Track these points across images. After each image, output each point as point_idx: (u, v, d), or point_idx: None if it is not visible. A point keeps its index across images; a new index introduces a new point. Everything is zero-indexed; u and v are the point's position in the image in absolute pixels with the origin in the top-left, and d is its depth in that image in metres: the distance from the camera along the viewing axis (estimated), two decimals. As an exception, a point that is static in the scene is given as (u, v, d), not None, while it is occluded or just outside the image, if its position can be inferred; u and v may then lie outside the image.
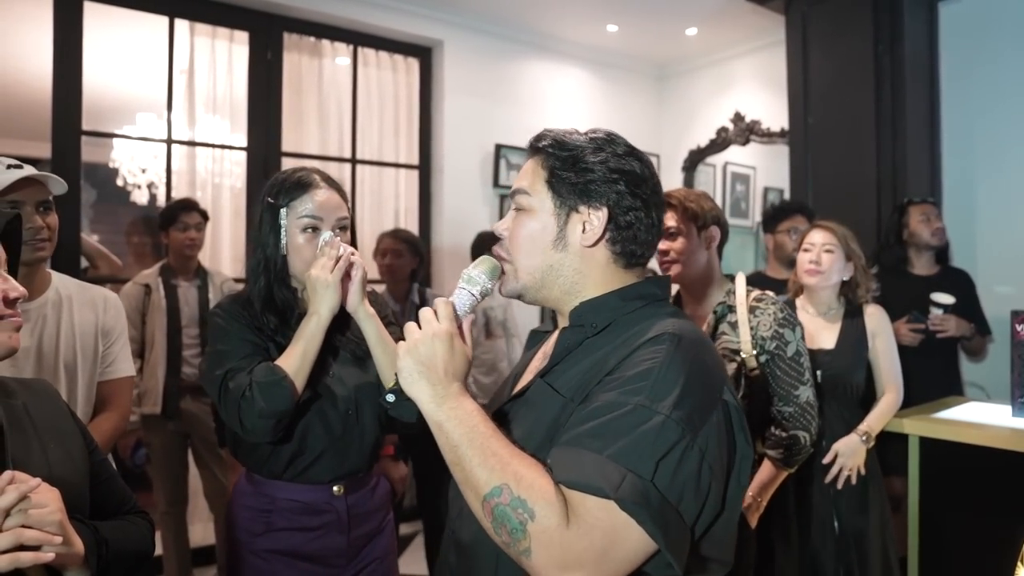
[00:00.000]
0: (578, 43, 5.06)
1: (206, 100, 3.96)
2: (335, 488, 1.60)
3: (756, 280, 2.45)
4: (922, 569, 2.27)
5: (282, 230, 1.56)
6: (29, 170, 1.65)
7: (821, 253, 2.41)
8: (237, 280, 3.61)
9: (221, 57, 3.97)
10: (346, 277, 1.55)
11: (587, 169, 1.05)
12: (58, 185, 1.72)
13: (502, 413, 1.08)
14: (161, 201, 4.55)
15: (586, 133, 1.10)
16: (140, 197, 4.90)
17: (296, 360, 1.48)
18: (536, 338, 1.25)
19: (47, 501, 0.96)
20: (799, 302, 2.52)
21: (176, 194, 3.80)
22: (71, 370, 1.76)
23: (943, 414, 2.38)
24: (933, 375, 2.96)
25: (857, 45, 3.54)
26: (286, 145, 4.06)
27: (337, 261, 1.51)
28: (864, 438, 2.26)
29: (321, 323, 1.50)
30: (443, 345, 0.98)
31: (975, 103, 3.81)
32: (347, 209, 1.63)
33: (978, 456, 2.15)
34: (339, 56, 4.32)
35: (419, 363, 0.97)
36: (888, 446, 2.44)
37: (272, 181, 1.62)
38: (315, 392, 1.56)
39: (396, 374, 1.00)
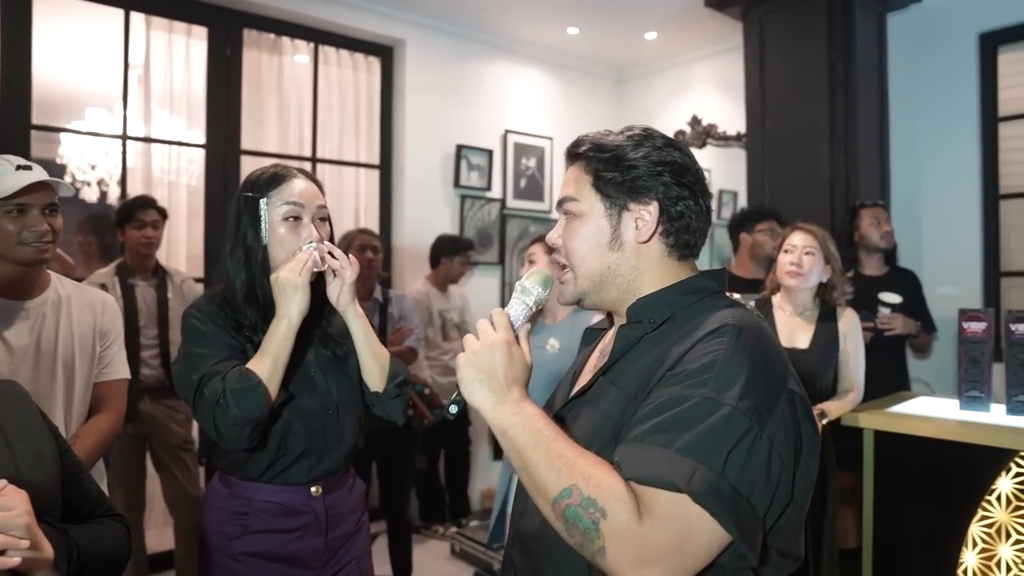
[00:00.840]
0: (539, 45, 5.10)
1: (162, 96, 3.87)
2: (313, 489, 1.59)
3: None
4: (875, 557, 2.36)
5: (263, 221, 1.55)
6: (39, 173, 1.64)
7: (802, 255, 2.48)
8: (197, 280, 3.55)
9: (178, 52, 3.88)
10: (331, 275, 1.55)
11: (631, 166, 1.06)
12: (66, 189, 1.73)
13: (565, 413, 1.10)
14: (112, 199, 4.44)
15: (621, 132, 1.10)
16: (90, 194, 4.75)
17: (268, 365, 1.45)
18: (592, 336, 1.25)
19: (13, 503, 0.93)
20: (776, 300, 2.59)
21: (131, 192, 3.71)
22: (69, 370, 1.75)
23: (896, 408, 2.47)
24: (882, 372, 3.07)
25: (812, 52, 3.66)
26: (245, 143, 4.00)
27: (306, 264, 1.49)
28: (819, 414, 2.33)
29: (291, 326, 1.47)
30: (501, 353, 0.99)
31: (920, 110, 3.97)
32: (324, 200, 1.63)
33: (927, 448, 2.24)
34: (300, 54, 4.28)
35: (479, 372, 0.98)
36: (840, 443, 2.53)
37: (248, 179, 1.61)
38: (295, 392, 1.54)
39: (457, 384, 1.01)
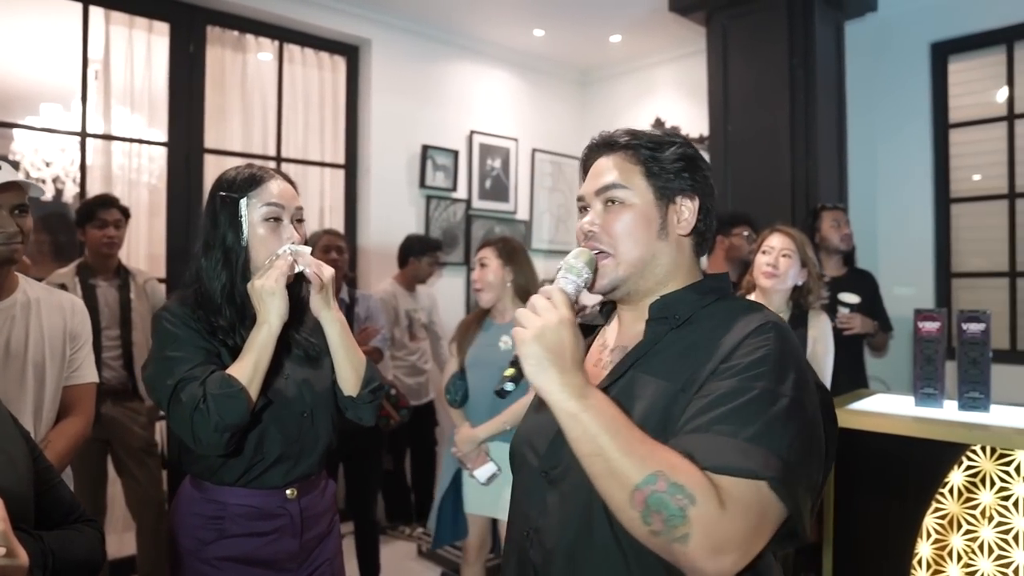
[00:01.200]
0: (505, 46, 5.12)
1: (122, 93, 3.80)
2: (289, 492, 1.58)
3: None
4: (836, 551, 2.44)
5: (243, 222, 1.54)
6: (9, 172, 1.60)
7: (779, 257, 2.53)
8: (160, 280, 3.49)
9: (139, 48, 3.81)
10: (305, 279, 1.55)
11: (676, 159, 1.10)
12: (36, 190, 1.69)
13: None
14: (68, 197, 4.34)
15: (651, 128, 1.14)
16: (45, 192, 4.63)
17: (248, 371, 1.44)
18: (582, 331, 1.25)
19: None
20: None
21: (90, 190, 3.63)
22: (39, 372, 1.71)
23: (855, 406, 2.55)
24: (841, 370, 3.15)
25: (773, 57, 3.75)
26: (208, 142, 3.95)
27: (284, 269, 1.49)
28: None
29: (272, 332, 1.47)
30: (569, 332, 0.95)
31: (875, 115, 4.10)
32: (300, 201, 1.63)
33: (885, 443, 2.32)
34: (264, 52, 4.23)
35: (548, 351, 0.93)
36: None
37: (223, 179, 1.59)
38: (270, 396, 1.53)
39: (516, 361, 0.95)
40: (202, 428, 1.39)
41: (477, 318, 2.81)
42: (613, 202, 1.10)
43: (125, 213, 3.17)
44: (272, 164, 4.15)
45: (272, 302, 1.46)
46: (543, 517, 1.06)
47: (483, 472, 2.64)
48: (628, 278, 1.09)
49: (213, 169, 4.01)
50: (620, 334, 1.15)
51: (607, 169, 1.11)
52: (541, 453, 1.09)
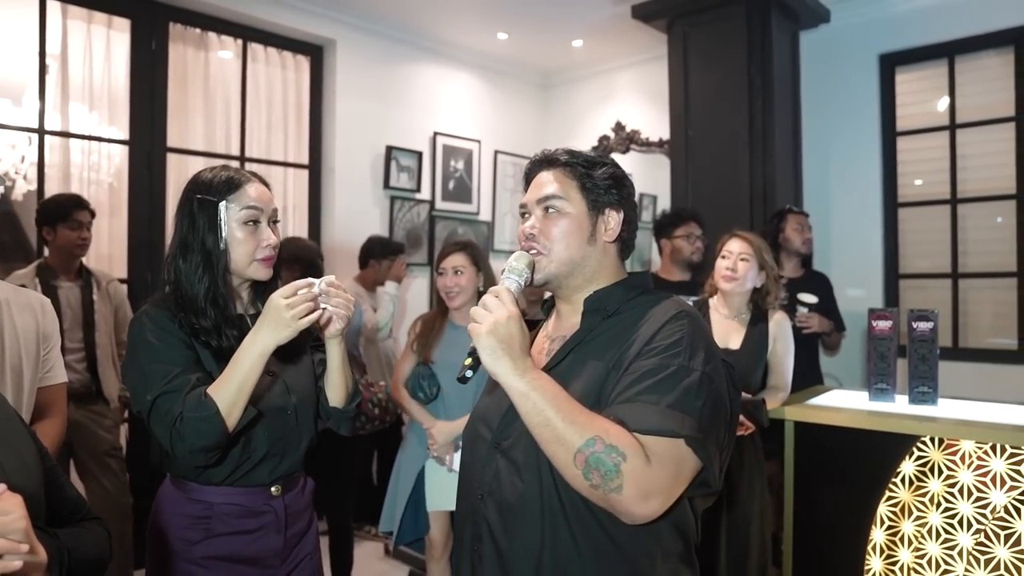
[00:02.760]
0: (469, 49, 5.16)
1: (80, 89, 3.73)
2: (274, 489, 1.59)
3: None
4: (795, 538, 2.54)
5: (221, 225, 1.54)
6: None
7: (737, 261, 2.62)
8: (121, 281, 3.44)
9: (98, 44, 3.74)
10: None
11: (606, 177, 1.30)
12: None
13: None
14: (17, 195, 4.21)
15: (585, 151, 1.35)
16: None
17: (232, 393, 1.41)
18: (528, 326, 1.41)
19: (10, 508, 0.91)
20: (713, 303, 2.74)
21: (48, 189, 3.54)
22: (17, 374, 1.67)
23: (813, 401, 2.67)
24: (798, 367, 3.28)
25: (732, 64, 3.86)
26: (170, 140, 3.89)
27: (311, 308, 1.47)
28: (760, 400, 2.51)
29: (265, 354, 1.43)
30: (517, 325, 1.13)
31: (828, 123, 4.27)
32: (276, 203, 1.65)
33: (841, 436, 2.44)
34: (227, 50, 4.19)
35: (501, 341, 1.11)
36: (762, 435, 2.70)
37: (199, 180, 1.58)
38: (256, 393, 1.51)
39: (474, 352, 1.14)
40: (178, 447, 1.40)
41: (439, 318, 2.85)
42: (552, 210, 1.28)
43: (92, 214, 3.11)
44: (235, 164, 4.12)
45: (282, 332, 1.43)
46: (495, 480, 1.22)
47: (458, 461, 2.70)
48: (559, 274, 1.28)
49: (176, 168, 3.96)
50: (558, 325, 1.35)
51: (548, 182, 1.30)
52: (494, 428, 1.27)
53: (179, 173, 3.97)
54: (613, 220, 1.29)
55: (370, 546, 4.07)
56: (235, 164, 4.11)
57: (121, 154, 3.83)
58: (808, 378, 3.28)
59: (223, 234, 1.54)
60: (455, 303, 2.77)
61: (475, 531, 1.25)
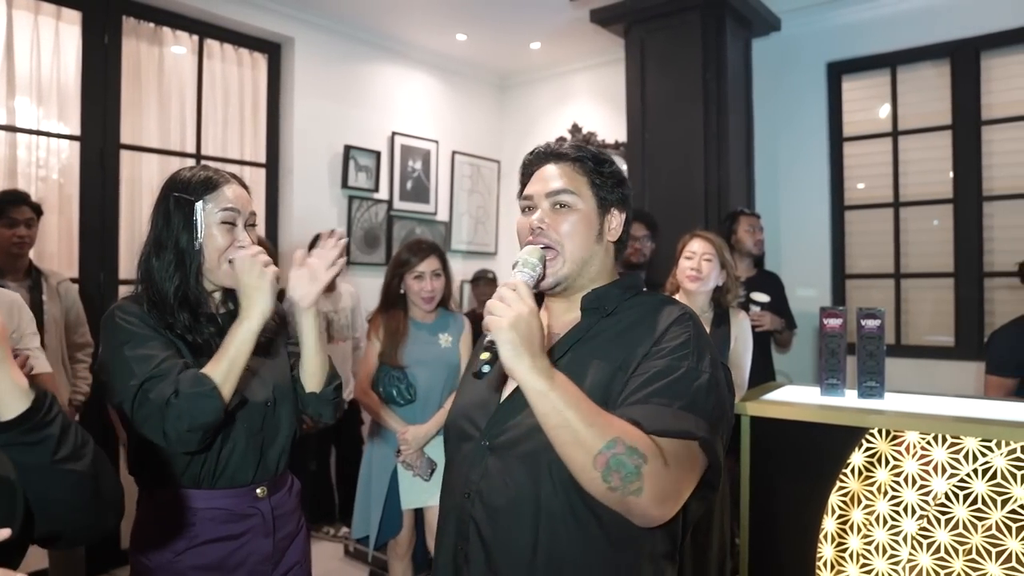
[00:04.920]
0: (428, 49, 5.16)
1: (25, 83, 3.61)
2: (259, 490, 1.57)
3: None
4: (751, 527, 2.63)
5: (198, 225, 1.53)
6: None
7: (701, 261, 2.68)
8: (72, 280, 3.35)
9: (46, 36, 3.63)
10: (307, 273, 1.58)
11: (612, 175, 1.28)
12: None
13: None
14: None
15: (593, 147, 1.33)
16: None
17: (224, 369, 1.41)
18: None
19: None
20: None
21: (-6, 185, 3.43)
22: None
23: (767, 396, 2.75)
24: (752, 365, 3.40)
25: (688, 69, 3.96)
26: (124, 137, 3.80)
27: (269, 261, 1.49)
28: None
29: (252, 330, 1.45)
30: (536, 322, 1.07)
31: (778, 128, 4.40)
32: (252, 206, 1.64)
33: (795, 430, 2.53)
34: (182, 46, 4.11)
35: (521, 337, 1.04)
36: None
37: (177, 179, 1.57)
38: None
39: (491, 346, 1.04)
40: (173, 427, 1.35)
41: (400, 318, 2.83)
42: (562, 205, 1.24)
43: (37, 211, 3.03)
44: (191, 162, 4.05)
45: (259, 300, 1.45)
46: (485, 480, 1.19)
47: (426, 469, 2.71)
48: (570, 275, 1.24)
49: (129, 165, 3.87)
50: (551, 322, 1.30)
51: (557, 176, 1.26)
52: (481, 425, 1.23)
53: (132, 170, 3.89)
54: (616, 220, 1.28)
55: (329, 547, 4.04)
56: (191, 161, 4.05)
57: (70, 150, 3.72)
58: (761, 375, 3.38)
59: (198, 234, 1.53)
60: (430, 306, 2.77)
61: (460, 530, 1.21)
